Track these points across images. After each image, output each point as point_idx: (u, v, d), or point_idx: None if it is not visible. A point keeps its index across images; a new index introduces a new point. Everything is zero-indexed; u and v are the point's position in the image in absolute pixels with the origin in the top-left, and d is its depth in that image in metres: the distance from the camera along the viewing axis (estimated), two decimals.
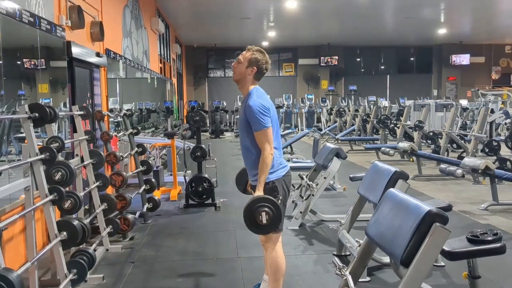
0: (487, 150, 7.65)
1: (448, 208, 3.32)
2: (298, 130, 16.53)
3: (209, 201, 5.67)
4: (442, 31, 16.52)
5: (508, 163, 6.69)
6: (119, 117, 6.05)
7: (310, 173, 5.06)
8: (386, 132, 11.46)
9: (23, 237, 3.36)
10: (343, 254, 3.82)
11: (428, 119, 10.46)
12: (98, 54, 5.77)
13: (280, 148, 2.83)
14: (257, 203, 2.55)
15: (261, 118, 2.63)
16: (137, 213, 4.93)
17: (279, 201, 2.73)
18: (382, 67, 21.33)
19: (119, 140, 6.25)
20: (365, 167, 8.19)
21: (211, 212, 5.49)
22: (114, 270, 3.65)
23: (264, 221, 2.51)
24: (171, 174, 6.78)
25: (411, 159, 8.59)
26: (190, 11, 12.88)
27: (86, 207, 4.15)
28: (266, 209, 2.52)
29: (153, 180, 5.21)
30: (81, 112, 3.87)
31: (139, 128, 6.67)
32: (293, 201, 5.14)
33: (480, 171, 5.20)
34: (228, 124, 18.13)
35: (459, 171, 5.49)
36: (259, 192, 2.64)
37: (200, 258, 3.95)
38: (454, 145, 9.00)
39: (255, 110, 2.63)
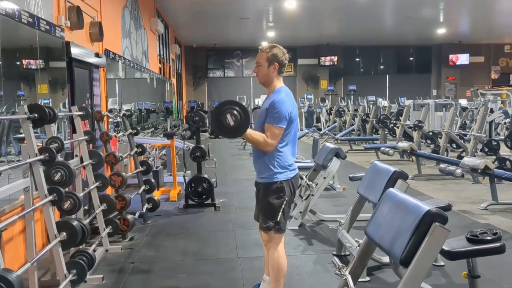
0: (486, 150, 7.66)
1: (448, 207, 3.32)
2: (298, 130, 16.53)
3: (209, 201, 5.67)
4: (441, 31, 16.53)
5: (507, 162, 6.70)
6: (118, 117, 6.04)
7: (309, 173, 5.06)
8: (386, 132, 11.46)
9: (23, 238, 3.36)
10: (342, 254, 3.82)
11: (428, 119, 10.46)
12: (97, 55, 5.77)
13: (294, 151, 2.83)
14: (227, 104, 2.56)
15: (282, 117, 2.64)
16: (137, 214, 4.94)
17: (285, 202, 2.73)
18: (382, 67, 21.33)
19: (119, 141, 6.25)
20: (364, 167, 8.20)
21: (210, 212, 5.49)
22: (114, 271, 3.65)
23: (231, 123, 2.51)
24: (170, 175, 6.79)
25: (411, 159, 8.59)
26: (189, 12, 12.88)
27: (86, 207, 4.15)
28: (235, 112, 2.53)
29: (152, 180, 5.21)
30: (81, 113, 3.87)
31: (139, 128, 6.68)
32: (293, 201, 5.13)
33: (479, 170, 5.20)
34: None
35: (459, 171, 5.49)
36: None
37: (200, 258, 3.95)
38: (454, 145, 9.00)
39: (283, 108, 2.64)
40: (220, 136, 2.76)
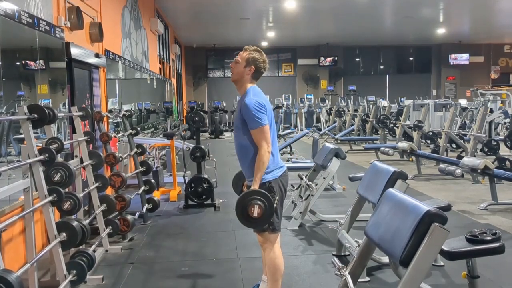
0: (486, 150, 7.66)
1: (447, 208, 3.32)
2: (298, 130, 16.55)
3: (209, 201, 5.67)
4: (441, 31, 16.54)
5: (507, 162, 6.70)
6: (118, 117, 6.05)
7: (309, 173, 5.06)
8: (386, 132, 11.47)
9: (23, 238, 3.36)
10: (342, 254, 3.82)
11: (428, 119, 10.47)
12: (97, 55, 5.77)
13: (276, 148, 2.81)
14: (250, 196, 2.55)
15: (257, 115, 2.63)
16: (137, 214, 4.94)
17: (276, 201, 2.73)
18: (381, 67, 21.33)
19: (119, 141, 6.25)
20: (364, 167, 8.19)
21: (210, 213, 5.49)
22: (114, 271, 3.65)
23: (256, 214, 2.50)
24: (170, 175, 6.78)
25: (410, 159, 8.59)
26: (189, 12, 12.88)
27: (86, 208, 4.15)
28: (259, 202, 2.51)
29: (152, 180, 5.21)
30: (80, 113, 3.88)
31: (139, 128, 6.68)
32: (292, 202, 5.14)
33: (479, 170, 5.20)
34: (227, 125, 18.13)
35: (458, 171, 5.49)
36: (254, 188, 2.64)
37: (199, 259, 3.95)
38: (454, 145, 9.00)
39: (251, 108, 2.63)
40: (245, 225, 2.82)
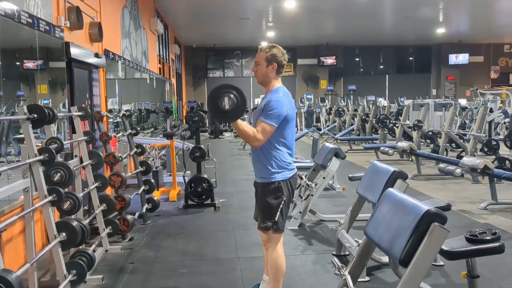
0: (486, 150, 7.66)
1: (447, 207, 3.32)
2: (297, 130, 16.55)
3: (209, 201, 5.67)
4: (441, 31, 16.54)
5: (507, 162, 6.70)
6: (118, 117, 6.04)
7: (309, 173, 5.06)
8: (385, 132, 11.47)
9: (23, 238, 3.36)
10: (342, 254, 3.82)
11: (427, 119, 10.47)
12: (97, 55, 5.77)
13: (292, 150, 2.82)
14: (224, 88, 2.55)
15: (275, 116, 2.64)
16: (137, 214, 4.94)
17: (283, 202, 2.74)
18: (381, 66, 21.33)
19: (118, 141, 6.25)
20: (364, 166, 8.19)
21: (210, 213, 5.49)
22: (114, 271, 3.65)
23: (227, 106, 2.50)
24: (170, 175, 6.79)
25: (410, 159, 8.60)
26: (189, 12, 12.88)
27: (86, 208, 4.15)
28: (232, 95, 2.51)
29: (152, 180, 5.21)
30: (80, 113, 3.87)
31: (138, 128, 6.68)
32: (292, 201, 5.14)
33: (479, 170, 5.20)
34: (227, 125, 18.12)
35: (458, 171, 5.49)
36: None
37: (199, 259, 3.95)
38: (453, 145, 9.01)
39: (276, 106, 2.64)
40: (215, 120, 2.80)
